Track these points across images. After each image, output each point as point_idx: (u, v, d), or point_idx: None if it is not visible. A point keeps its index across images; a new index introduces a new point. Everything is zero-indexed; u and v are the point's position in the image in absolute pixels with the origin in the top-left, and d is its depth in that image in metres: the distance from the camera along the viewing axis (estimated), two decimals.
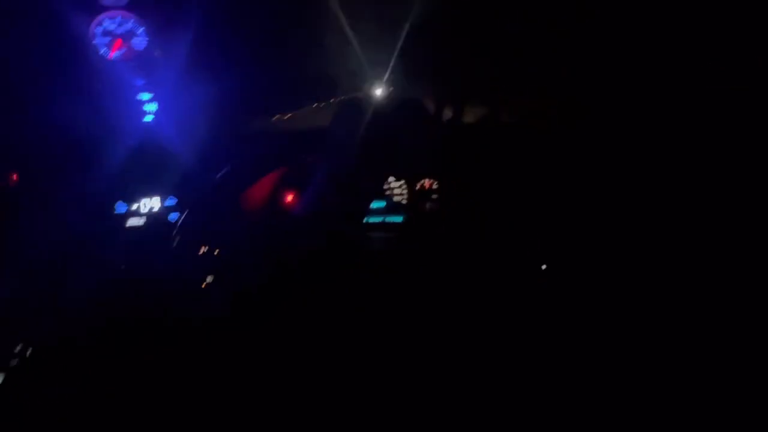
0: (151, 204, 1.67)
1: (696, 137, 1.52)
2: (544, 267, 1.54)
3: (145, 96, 1.61)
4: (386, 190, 1.91)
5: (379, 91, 1.87)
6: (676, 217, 1.49)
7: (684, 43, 1.54)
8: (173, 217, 1.69)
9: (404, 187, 1.91)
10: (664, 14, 1.54)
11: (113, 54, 1.51)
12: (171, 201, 1.69)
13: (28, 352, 1.30)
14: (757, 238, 1.36)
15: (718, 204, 1.46)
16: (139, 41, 1.54)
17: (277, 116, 1.73)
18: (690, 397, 1.17)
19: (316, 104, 1.71)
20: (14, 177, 1.51)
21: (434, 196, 1.90)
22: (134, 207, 1.65)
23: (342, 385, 1.24)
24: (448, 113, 2.08)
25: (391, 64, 1.79)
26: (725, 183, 1.46)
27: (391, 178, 1.91)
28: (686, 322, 1.31)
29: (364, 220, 1.86)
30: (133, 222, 1.65)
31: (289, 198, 1.87)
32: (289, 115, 1.73)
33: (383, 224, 1.89)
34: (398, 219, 1.90)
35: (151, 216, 1.67)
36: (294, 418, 1.19)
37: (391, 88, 1.89)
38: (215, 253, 1.66)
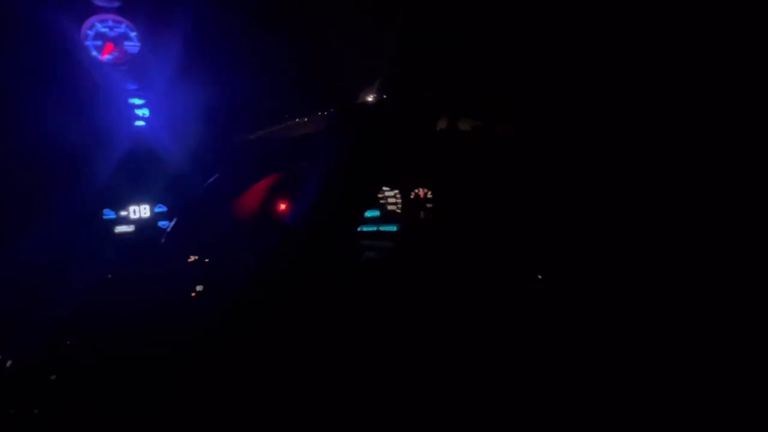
0: (140, 211, 1.63)
1: (693, 140, 1.54)
2: (539, 276, 1.54)
3: (137, 101, 1.58)
4: (380, 199, 1.90)
5: (372, 100, 1.86)
6: (672, 222, 1.51)
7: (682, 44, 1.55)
8: (163, 224, 1.66)
9: (398, 196, 1.90)
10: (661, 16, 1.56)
11: (104, 57, 1.48)
12: (161, 208, 1.65)
13: (10, 362, 1.26)
14: (755, 244, 1.37)
15: (711, 208, 1.47)
16: (132, 45, 1.51)
17: (272, 125, 1.71)
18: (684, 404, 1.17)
19: (309, 114, 1.70)
20: None
21: (428, 205, 1.89)
22: (123, 213, 1.61)
23: (338, 394, 1.22)
24: (442, 122, 2.08)
25: (385, 72, 1.78)
26: (721, 187, 1.47)
27: (385, 188, 1.90)
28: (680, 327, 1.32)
29: (359, 229, 1.85)
30: (121, 229, 1.61)
31: (282, 206, 1.84)
32: (284, 123, 1.71)
33: (378, 233, 1.88)
34: (392, 228, 1.89)
35: (140, 223, 1.63)
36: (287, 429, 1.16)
37: (384, 96, 1.88)
38: (205, 262, 1.63)
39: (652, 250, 1.50)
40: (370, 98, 1.86)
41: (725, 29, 1.47)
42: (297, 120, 1.70)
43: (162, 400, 1.18)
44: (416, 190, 1.89)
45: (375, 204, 1.90)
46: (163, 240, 1.63)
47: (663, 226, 1.52)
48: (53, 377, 1.26)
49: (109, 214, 1.59)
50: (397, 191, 1.90)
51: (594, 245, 1.60)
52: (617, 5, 1.61)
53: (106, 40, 1.47)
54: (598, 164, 1.70)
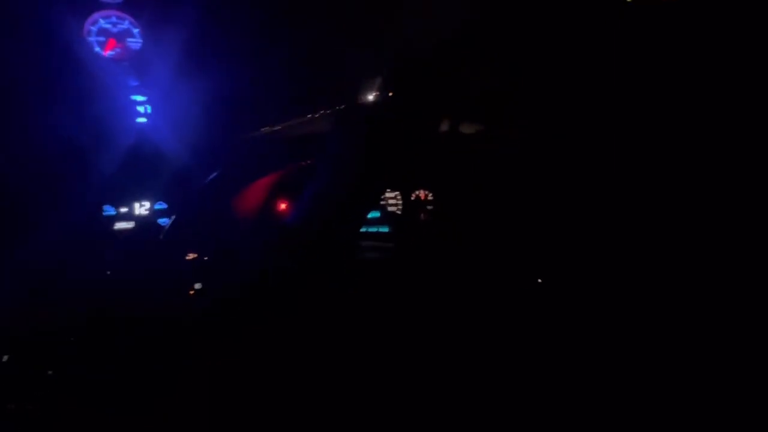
0: (141, 207, 1.63)
1: (693, 142, 1.53)
2: (540, 279, 1.53)
3: (138, 97, 1.58)
4: (381, 200, 1.90)
5: (375, 98, 1.85)
6: (673, 224, 1.50)
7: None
8: (163, 221, 1.66)
9: (399, 197, 1.89)
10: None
11: (107, 53, 1.48)
12: (161, 205, 1.65)
13: (7, 357, 1.26)
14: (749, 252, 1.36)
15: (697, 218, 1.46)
16: (134, 41, 1.52)
17: (273, 123, 1.71)
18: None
19: (313, 112, 1.69)
20: None
21: (429, 207, 1.89)
22: (123, 210, 1.61)
23: (336, 394, 1.21)
24: (445, 123, 2.07)
25: (388, 70, 1.77)
26: (721, 192, 1.46)
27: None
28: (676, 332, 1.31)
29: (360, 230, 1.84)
30: (121, 225, 1.61)
31: (283, 205, 1.84)
32: (285, 122, 1.71)
33: (377, 234, 1.87)
34: (385, 229, 1.88)
35: (140, 220, 1.63)
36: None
37: (388, 95, 1.88)
38: (204, 260, 1.63)
39: (653, 252, 1.49)
40: (372, 96, 1.86)
41: (724, 33, 1.47)
42: (300, 118, 1.70)
43: (162, 400, 1.18)
44: (417, 192, 1.89)
45: (377, 205, 1.90)
46: (161, 237, 1.63)
47: (664, 228, 1.51)
48: (51, 373, 1.26)
49: (109, 210, 1.59)
50: (397, 193, 1.89)
51: (595, 247, 1.59)
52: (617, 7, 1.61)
53: (109, 36, 1.48)
54: (599, 166, 1.69)
